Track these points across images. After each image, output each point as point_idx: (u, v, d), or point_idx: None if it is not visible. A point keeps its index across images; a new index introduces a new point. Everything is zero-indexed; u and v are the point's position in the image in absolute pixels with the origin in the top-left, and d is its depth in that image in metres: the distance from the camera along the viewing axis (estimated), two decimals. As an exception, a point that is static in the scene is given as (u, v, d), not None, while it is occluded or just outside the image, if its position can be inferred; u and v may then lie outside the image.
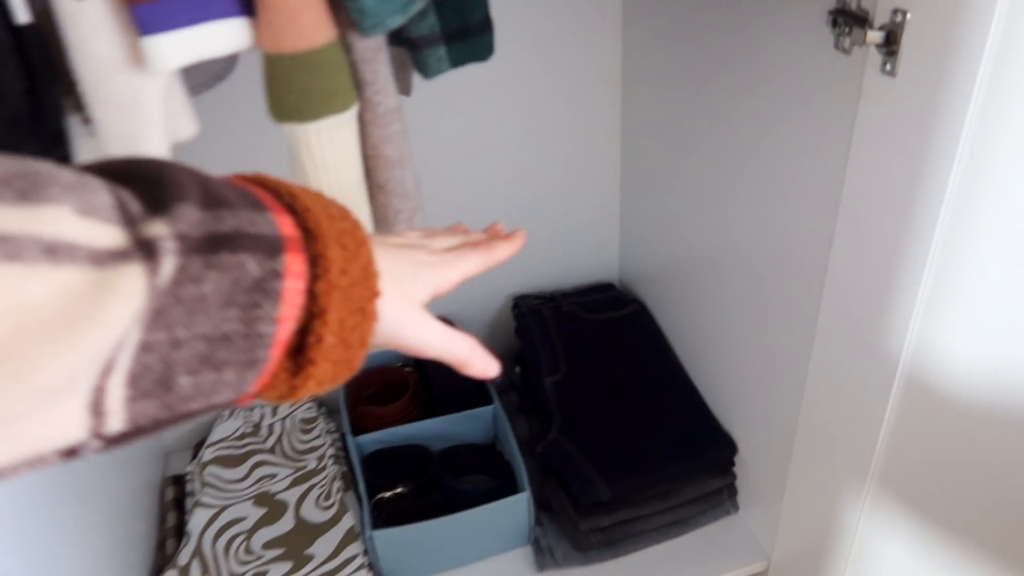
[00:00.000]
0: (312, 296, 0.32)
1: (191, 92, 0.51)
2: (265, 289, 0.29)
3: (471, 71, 1.04)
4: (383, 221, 0.54)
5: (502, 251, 0.49)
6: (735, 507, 1.05)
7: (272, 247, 0.30)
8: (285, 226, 0.31)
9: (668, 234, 1.11)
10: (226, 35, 0.43)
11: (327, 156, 0.48)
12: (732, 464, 1.04)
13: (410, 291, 0.41)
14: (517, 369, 1.21)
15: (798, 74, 0.75)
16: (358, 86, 0.49)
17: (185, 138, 0.46)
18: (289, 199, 0.33)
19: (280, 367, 0.33)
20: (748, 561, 1.01)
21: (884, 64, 0.61)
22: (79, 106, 0.43)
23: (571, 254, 1.28)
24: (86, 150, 0.45)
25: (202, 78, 0.55)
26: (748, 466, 1.02)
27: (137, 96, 0.41)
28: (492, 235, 0.51)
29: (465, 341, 0.43)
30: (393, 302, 0.38)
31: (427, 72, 0.56)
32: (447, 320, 1.16)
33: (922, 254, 0.63)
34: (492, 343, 1.31)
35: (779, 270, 0.86)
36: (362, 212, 0.52)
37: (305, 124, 0.47)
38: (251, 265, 0.29)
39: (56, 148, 0.46)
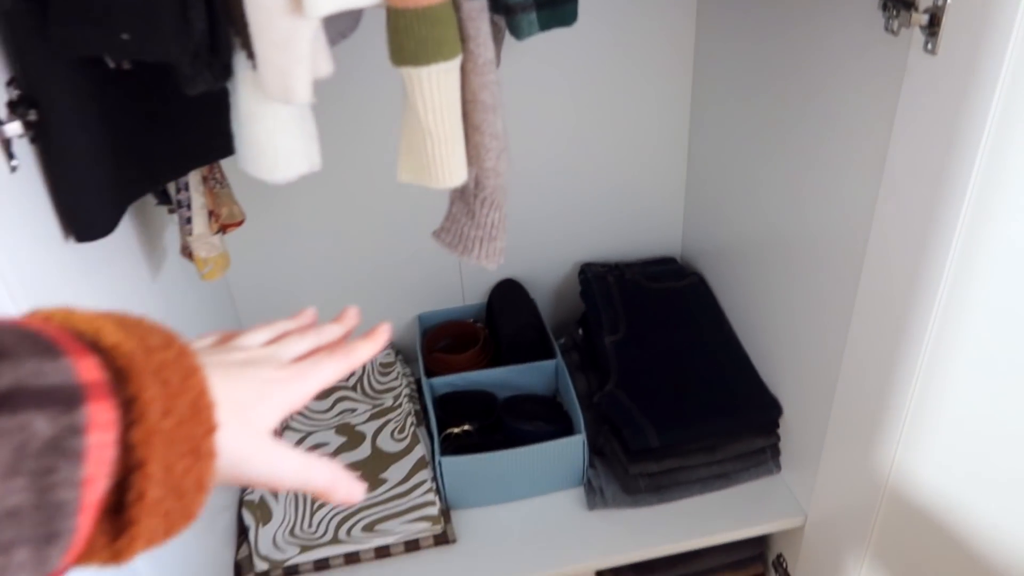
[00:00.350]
0: (127, 446, 0.28)
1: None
2: (61, 449, 0.25)
3: (549, 45, 1.14)
4: (475, 158, 0.64)
5: (362, 353, 0.44)
6: (777, 467, 1.12)
7: (68, 398, 0.26)
8: (86, 370, 0.27)
9: (730, 213, 1.18)
10: (364, -9, 0.54)
11: (435, 96, 0.59)
12: (776, 426, 1.11)
13: (256, 418, 0.36)
14: (580, 331, 1.30)
15: (853, 56, 0.82)
16: (463, 39, 0.59)
17: (323, 75, 0.57)
18: (94, 336, 0.29)
19: (97, 532, 0.29)
20: (786, 515, 1.07)
21: (926, 44, 0.68)
22: (246, 44, 0.54)
23: (637, 228, 1.36)
24: (247, 81, 0.57)
25: (330, 34, 0.66)
26: (791, 429, 1.09)
27: (292, 36, 0.52)
28: (347, 326, 0.48)
29: (324, 469, 0.39)
30: (236, 434, 0.34)
31: (519, 34, 0.66)
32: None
33: (951, 223, 0.69)
34: (558, 306, 1.40)
35: (825, 250, 0.93)
36: (458, 148, 0.62)
37: (419, 68, 0.57)
38: (39, 424, 0.25)
39: (223, 77, 0.58)
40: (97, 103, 0.62)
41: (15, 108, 0.58)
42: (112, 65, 0.62)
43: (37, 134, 0.60)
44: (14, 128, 0.57)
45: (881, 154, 0.77)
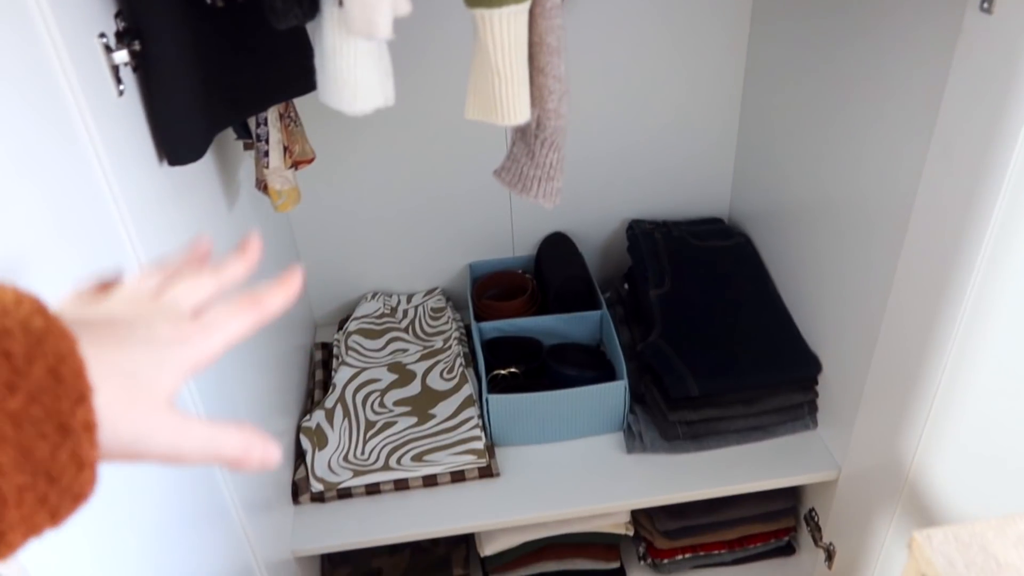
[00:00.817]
0: None
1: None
2: None
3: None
4: (538, 99, 0.68)
5: (273, 301, 0.37)
6: (814, 423, 1.15)
7: None
8: None
9: (779, 176, 1.20)
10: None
11: (505, 38, 0.63)
12: (815, 382, 1.14)
13: (153, 386, 0.31)
14: (625, 286, 1.34)
15: (909, 18, 0.83)
16: (533, -16, 0.63)
17: (401, 14, 0.61)
18: None
19: None
20: (820, 469, 1.11)
21: (982, 3, 0.69)
22: (334, -18, 0.59)
23: (686, 188, 1.39)
24: (332, 18, 0.61)
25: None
26: (830, 386, 1.11)
27: (378, -25, 0.57)
28: (250, 260, 0.40)
29: (234, 437, 0.34)
30: (128, 407, 0.30)
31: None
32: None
33: (997, 186, 0.71)
34: (605, 262, 1.44)
35: (871, 213, 0.95)
36: (523, 88, 0.66)
37: (492, 9, 0.61)
38: None
39: (311, 14, 0.63)
40: (193, 37, 0.67)
41: (122, 38, 0.64)
42: (208, 1, 0.67)
43: (139, 63, 0.66)
44: (121, 56, 0.62)
45: (932, 115, 0.79)
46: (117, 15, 0.64)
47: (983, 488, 0.92)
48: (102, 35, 0.60)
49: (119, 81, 0.62)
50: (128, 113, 0.65)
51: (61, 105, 0.55)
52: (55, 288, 0.51)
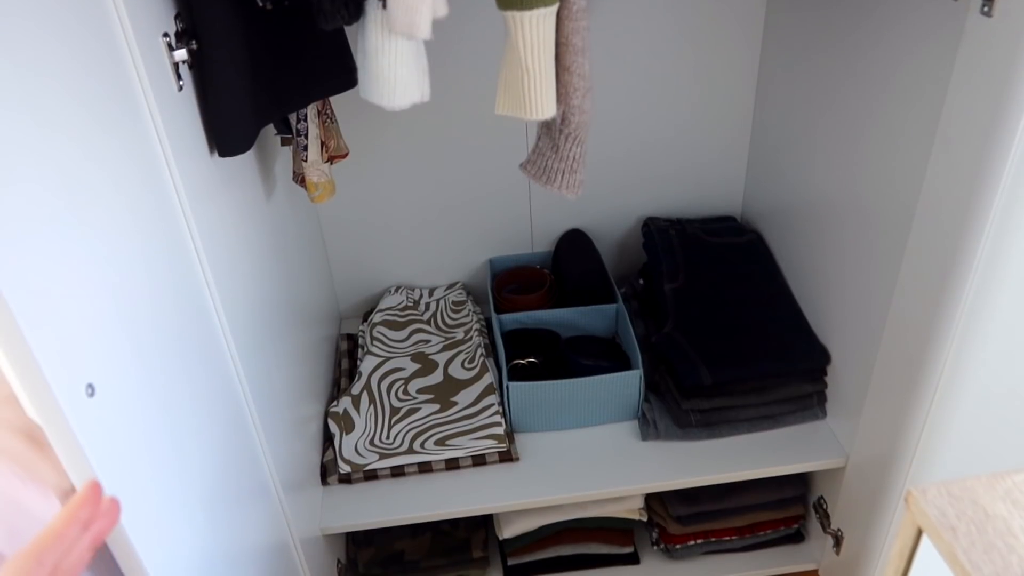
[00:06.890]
0: None
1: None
2: None
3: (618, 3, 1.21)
4: (564, 96, 0.73)
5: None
6: (823, 413, 1.19)
7: None
8: None
9: (790, 176, 1.25)
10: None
11: (534, 38, 0.68)
12: (824, 373, 1.18)
13: None
14: (641, 281, 1.39)
15: (915, 21, 0.87)
16: (561, -11, 0.68)
17: (440, 16, 0.66)
18: None
19: None
20: (828, 457, 1.15)
21: (983, 6, 0.73)
22: (379, -13, 0.64)
23: (700, 188, 1.43)
24: (376, 19, 0.66)
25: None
26: (838, 377, 1.15)
27: (420, -20, 0.62)
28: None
29: None
30: None
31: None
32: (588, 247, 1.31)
33: (995, 183, 0.75)
34: (620, 258, 1.49)
35: (878, 210, 0.99)
36: (551, 85, 0.71)
37: (523, 12, 0.66)
38: None
39: (356, 15, 0.68)
40: (244, 37, 0.73)
41: (180, 38, 0.69)
42: (259, 3, 0.72)
43: (195, 61, 0.71)
44: (180, 54, 0.68)
45: (935, 115, 0.83)
46: (176, 16, 0.69)
47: (984, 472, 0.95)
48: (165, 34, 0.66)
49: (179, 77, 0.67)
50: (185, 107, 0.70)
51: (132, 96, 0.60)
52: (131, 266, 0.56)
